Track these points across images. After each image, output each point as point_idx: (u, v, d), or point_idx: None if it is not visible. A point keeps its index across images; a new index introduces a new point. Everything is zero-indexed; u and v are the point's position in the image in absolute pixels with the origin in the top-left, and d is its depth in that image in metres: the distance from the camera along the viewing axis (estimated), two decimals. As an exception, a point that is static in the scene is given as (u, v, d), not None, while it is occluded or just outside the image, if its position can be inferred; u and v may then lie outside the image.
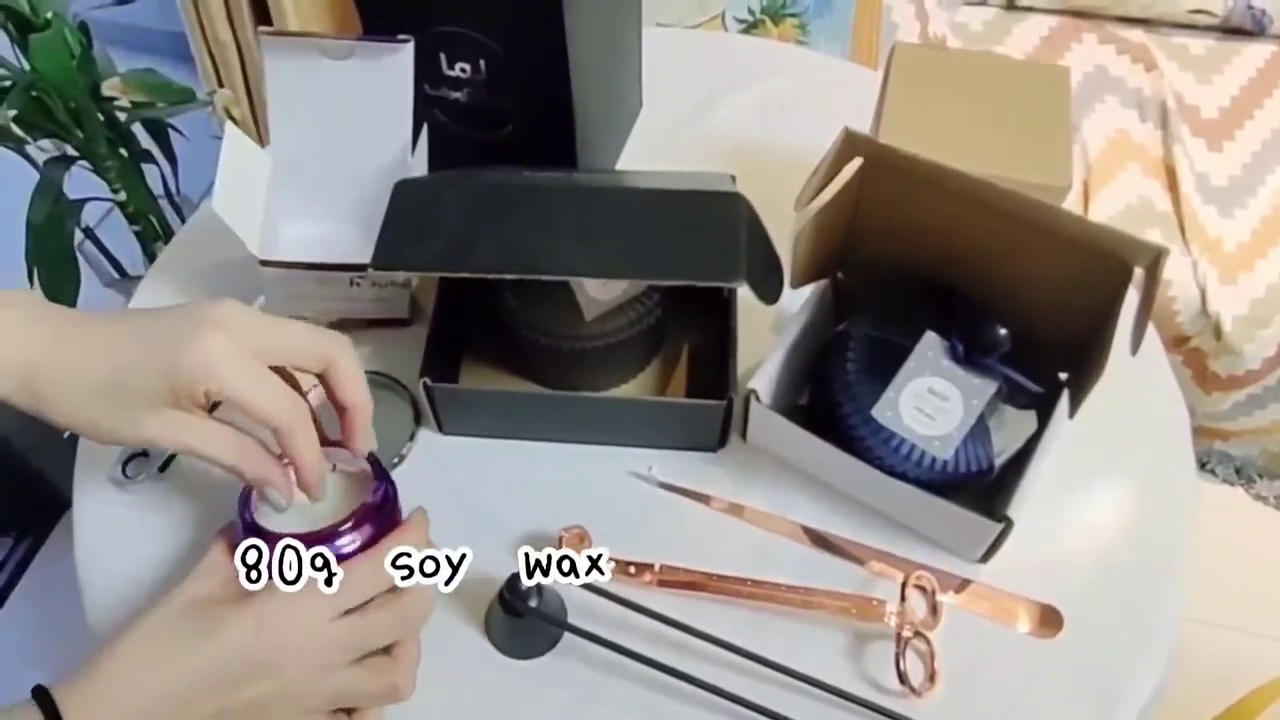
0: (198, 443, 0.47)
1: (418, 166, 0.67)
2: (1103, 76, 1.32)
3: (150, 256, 1.30)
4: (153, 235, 1.29)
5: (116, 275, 1.37)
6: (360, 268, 0.65)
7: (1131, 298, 0.53)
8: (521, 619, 0.53)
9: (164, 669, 0.43)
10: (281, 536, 0.47)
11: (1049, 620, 0.57)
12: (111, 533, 0.61)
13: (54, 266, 1.18)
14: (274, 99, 0.68)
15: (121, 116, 1.18)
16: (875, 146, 0.57)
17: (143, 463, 0.62)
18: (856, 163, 0.57)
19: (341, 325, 0.69)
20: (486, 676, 0.55)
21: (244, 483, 0.49)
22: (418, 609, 0.49)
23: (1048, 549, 0.59)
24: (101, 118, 1.15)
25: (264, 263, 0.64)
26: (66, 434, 0.49)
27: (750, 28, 1.33)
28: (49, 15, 1.05)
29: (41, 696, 0.42)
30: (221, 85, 1.47)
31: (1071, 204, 1.11)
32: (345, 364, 0.49)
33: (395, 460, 0.63)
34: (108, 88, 1.11)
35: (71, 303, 1.19)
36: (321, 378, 0.49)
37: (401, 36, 0.65)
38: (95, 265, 1.34)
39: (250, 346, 0.46)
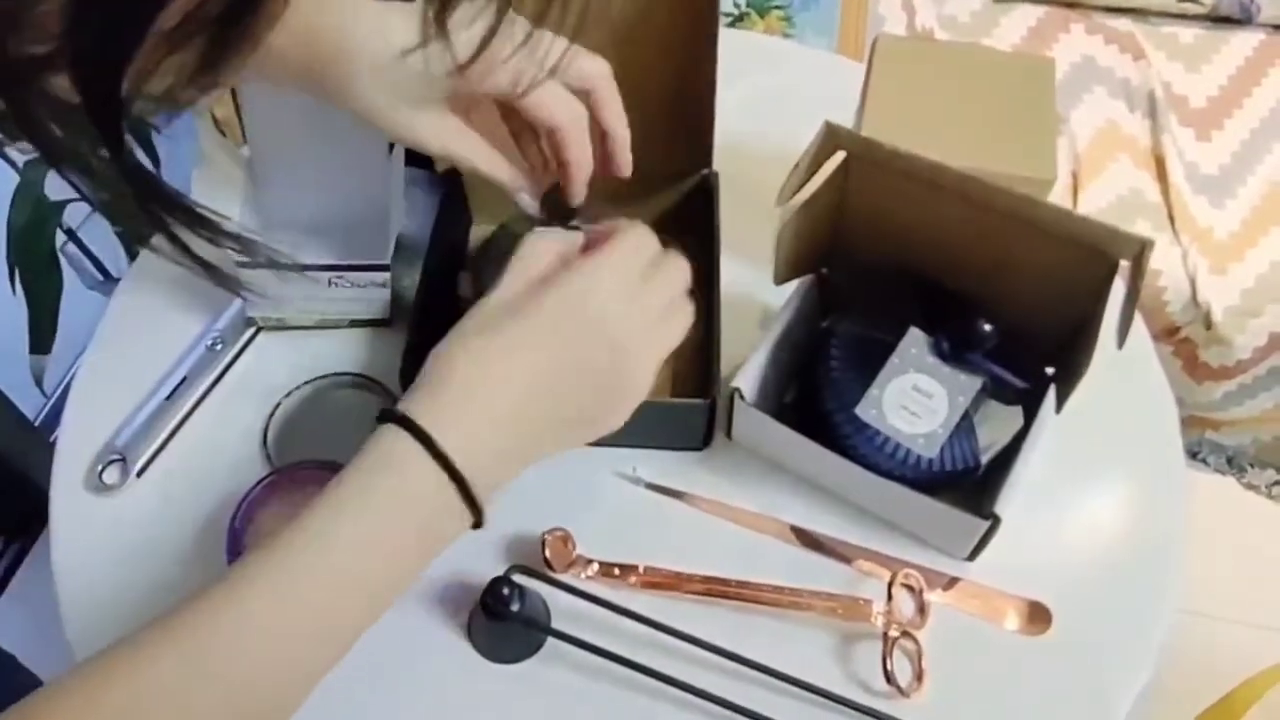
0: (462, 149, 0.51)
1: (396, 165, 0.66)
2: (1091, 67, 1.31)
3: (134, 258, 1.29)
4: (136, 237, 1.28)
5: (100, 277, 1.35)
6: (338, 268, 0.64)
7: (1117, 291, 0.52)
8: (504, 623, 0.52)
9: (503, 362, 0.44)
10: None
11: (1038, 617, 0.56)
12: (88, 539, 0.60)
13: (36, 269, 1.16)
14: (249, 97, 0.67)
15: (102, 116, 1.16)
16: (857, 141, 0.56)
17: (120, 468, 0.62)
18: (839, 157, 0.57)
19: (322, 326, 0.68)
20: (469, 681, 0.54)
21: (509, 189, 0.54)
22: (684, 268, 0.51)
23: (1035, 545, 0.59)
24: (81, 118, 1.13)
25: (240, 263, 0.63)
26: (52, 438, 0.48)
27: (736, 21, 1.32)
28: (25, 14, 1.04)
29: (400, 420, 0.42)
30: (204, 83, 1.46)
31: (1061, 196, 1.10)
32: (607, 89, 0.52)
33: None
34: (86, 87, 1.09)
35: (55, 306, 1.18)
36: (584, 98, 0.52)
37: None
38: (78, 267, 1.33)
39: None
